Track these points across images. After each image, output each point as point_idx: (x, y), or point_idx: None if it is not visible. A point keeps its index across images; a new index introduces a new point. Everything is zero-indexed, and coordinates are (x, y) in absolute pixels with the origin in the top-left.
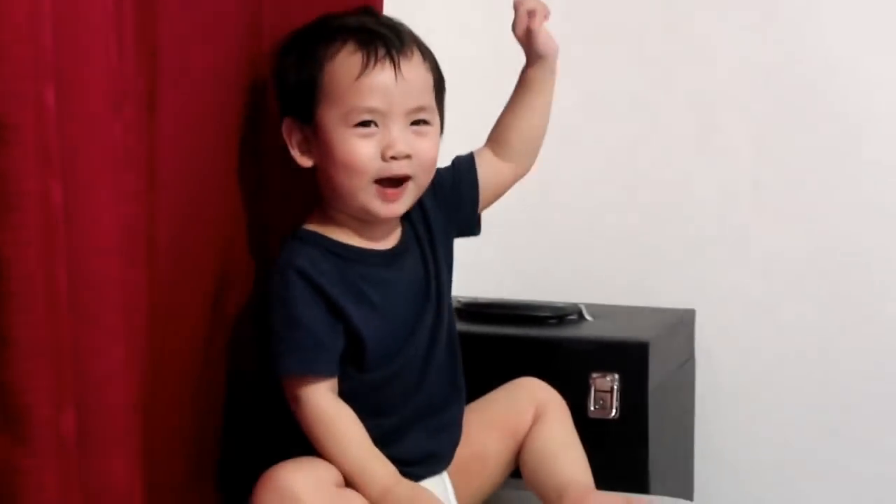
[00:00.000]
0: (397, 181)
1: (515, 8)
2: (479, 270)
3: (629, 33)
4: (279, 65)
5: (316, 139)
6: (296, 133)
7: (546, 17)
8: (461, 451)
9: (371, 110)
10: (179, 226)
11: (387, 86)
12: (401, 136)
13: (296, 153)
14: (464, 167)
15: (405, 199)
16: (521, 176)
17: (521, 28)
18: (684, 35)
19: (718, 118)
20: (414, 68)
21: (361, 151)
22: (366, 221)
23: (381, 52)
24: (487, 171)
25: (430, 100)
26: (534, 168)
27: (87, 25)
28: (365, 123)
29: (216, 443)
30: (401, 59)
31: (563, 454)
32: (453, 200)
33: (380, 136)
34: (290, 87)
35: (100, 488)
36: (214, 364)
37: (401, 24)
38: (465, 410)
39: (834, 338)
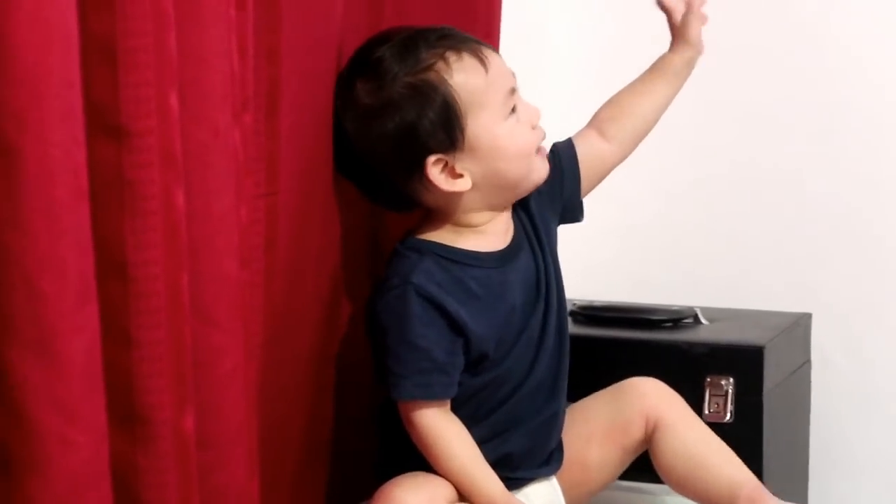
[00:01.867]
0: None
1: None
2: (594, 273)
3: (746, 41)
4: (399, 123)
5: (473, 154)
6: (438, 166)
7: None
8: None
9: (514, 89)
10: (298, 229)
11: (504, 66)
12: (530, 105)
13: (449, 183)
14: (564, 155)
15: None
16: (622, 161)
17: (679, 10)
18: (805, 42)
19: (835, 120)
20: None
21: (525, 133)
22: (488, 220)
23: (474, 45)
24: (589, 155)
25: None
26: (649, 171)
27: (209, 32)
28: (512, 110)
29: (329, 445)
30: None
31: (712, 455)
32: (555, 190)
33: (519, 113)
34: (428, 129)
35: (219, 487)
36: (329, 365)
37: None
38: (568, 412)
39: None
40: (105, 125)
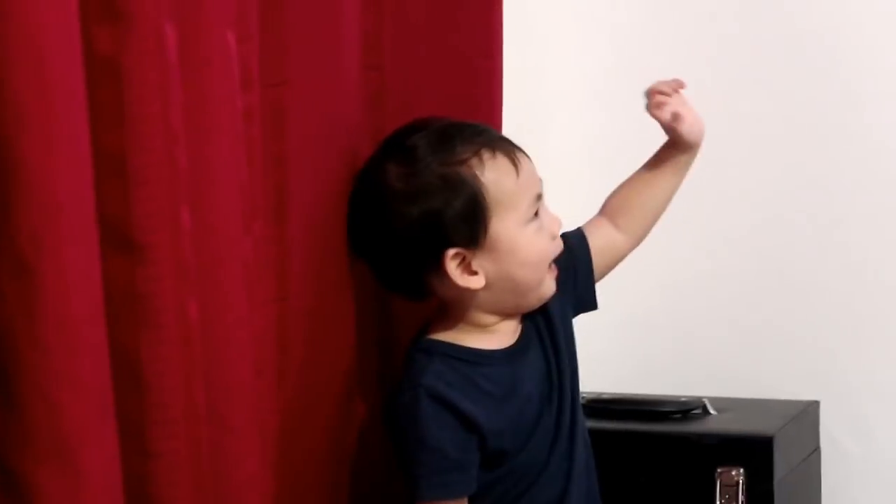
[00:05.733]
0: None
1: (650, 93)
2: (600, 365)
3: (755, 124)
4: (425, 211)
5: (491, 253)
6: (455, 260)
7: (678, 90)
8: None
9: (539, 196)
10: (309, 333)
11: (534, 172)
12: (552, 214)
13: (463, 279)
14: (577, 246)
15: None
16: (634, 248)
17: (660, 111)
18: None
19: (838, 209)
20: None
21: (543, 243)
22: (496, 322)
23: (508, 145)
24: (603, 246)
25: None
26: (654, 262)
27: (218, 144)
28: (535, 215)
29: None
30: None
31: None
32: (568, 283)
33: (542, 221)
34: (452, 221)
35: None
36: (344, 466)
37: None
38: None
39: None
40: (118, 240)
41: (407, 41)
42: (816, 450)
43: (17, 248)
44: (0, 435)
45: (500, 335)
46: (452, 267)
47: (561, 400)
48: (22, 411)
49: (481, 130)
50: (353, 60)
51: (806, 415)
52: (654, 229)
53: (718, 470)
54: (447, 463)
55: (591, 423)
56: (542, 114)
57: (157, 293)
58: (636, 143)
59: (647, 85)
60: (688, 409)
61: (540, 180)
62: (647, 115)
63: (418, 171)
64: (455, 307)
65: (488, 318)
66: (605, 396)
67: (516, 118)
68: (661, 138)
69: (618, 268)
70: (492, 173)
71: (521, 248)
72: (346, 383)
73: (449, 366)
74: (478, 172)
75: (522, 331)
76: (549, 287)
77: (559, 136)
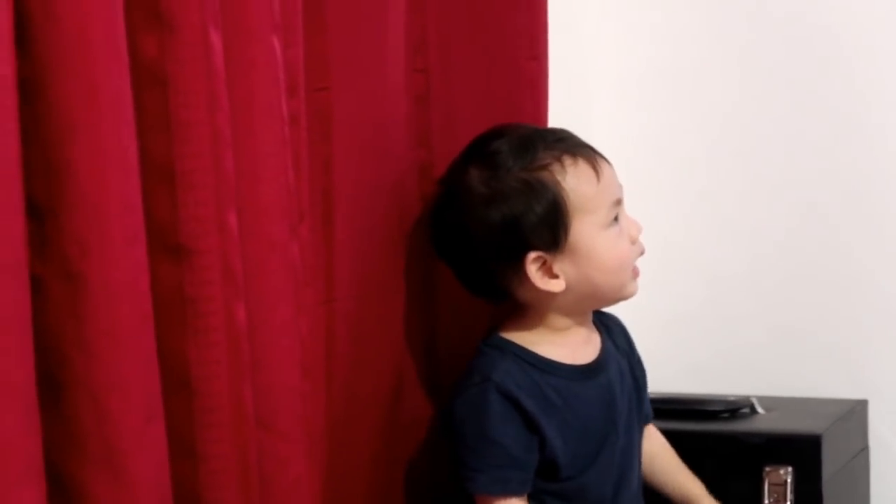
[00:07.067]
0: None
1: None
2: (647, 364)
3: (798, 122)
4: (506, 215)
5: (571, 257)
6: (536, 263)
7: None
8: None
9: (619, 201)
10: (356, 335)
11: (614, 177)
12: (632, 218)
13: (544, 282)
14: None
15: None
16: None
17: None
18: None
19: (885, 207)
20: None
21: (624, 246)
22: (569, 325)
23: (590, 152)
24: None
25: None
26: (701, 260)
27: (264, 149)
28: (615, 220)
29: None
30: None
31: None
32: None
33: (622, 226)
34: (533, 225)
35: None
36: (394, 469)
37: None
38: None
39: None
40: (166, 245)
41: (452, 44)
42: (865, 449)
43: (66, 254)
44: (49, 439)
45: (572, 348)
46: (533, 270)
47: (629, 432)
48: (71, 416)
49: (563, 137)
50: (399, 64)
51: (854, 414)
52: (702, 228)
53: (766, 469)
54: (508, 459)
55: None
56: (583, 115)
57: (205, 297)
58: (676, 144)
59: (688, 85)
60: (736, 409)
61: (620, 186)
62: (686, 117)
63: (501, 175)
64: (532, 309)
65: (563, 321)
66: (652, 396)
67: (559, 119)
68: (697, 140)
69: (666, 266)
70: (573, 179)
71: (600, 252)
72: (394, 385)
73: (519, 367)
74: (559, 178)
75: (602, 348)
76: (631, 289)
77: (601, 136)
